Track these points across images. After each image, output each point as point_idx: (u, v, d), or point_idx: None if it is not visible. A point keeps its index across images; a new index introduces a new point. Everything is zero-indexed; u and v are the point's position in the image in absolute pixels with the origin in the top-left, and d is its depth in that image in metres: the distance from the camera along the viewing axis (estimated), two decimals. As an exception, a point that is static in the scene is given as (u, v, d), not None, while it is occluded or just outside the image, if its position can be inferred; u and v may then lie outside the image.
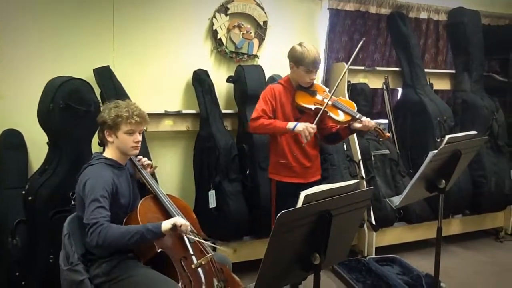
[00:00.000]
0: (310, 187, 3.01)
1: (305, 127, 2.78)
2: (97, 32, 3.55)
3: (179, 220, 2.21)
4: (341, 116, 2.91)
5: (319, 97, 2.97)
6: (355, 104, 2.99)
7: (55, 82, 3.01)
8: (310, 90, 3.00)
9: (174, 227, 2.17)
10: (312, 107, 2.92)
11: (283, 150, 2.99)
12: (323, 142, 3.23)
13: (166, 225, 2.17)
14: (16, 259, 3.00)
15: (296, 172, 3.00)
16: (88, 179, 2.24)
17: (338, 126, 3.00)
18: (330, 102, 2.90)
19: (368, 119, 2.88)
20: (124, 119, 2.31)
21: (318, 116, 2.85)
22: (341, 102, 2.98)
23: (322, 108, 2.86)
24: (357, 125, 2.88)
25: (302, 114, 2.96)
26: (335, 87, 3.02)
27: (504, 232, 4.80)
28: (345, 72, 3.14)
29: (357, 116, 2.87)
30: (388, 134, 2.94)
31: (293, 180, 3.00)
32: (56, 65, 3.35)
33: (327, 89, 3.06)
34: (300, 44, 2.93)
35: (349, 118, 2.89)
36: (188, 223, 2.23)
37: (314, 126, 2.81)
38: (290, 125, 2.84)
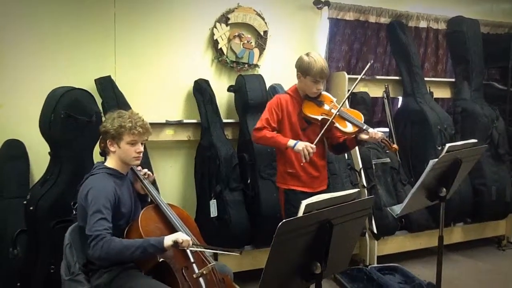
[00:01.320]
0: (316, 197, 3.02)
1: (304, 147, 2.77)
2: (98, 42, 3.58)
3: (180, 236, 2.20)
4: (348, 127, 2.90)
5: (326, 107, 2.95)
6: (362, 115, 2.98)
7: (57, 92, 3.03)
8: (317, 100, 2.98)
9: (176, 243, 2.17)
10: (319, 117, 2.91)
11: (290, 160, 2.96)
12: (331, 151, 3.21)
13: (167, 241, 2.16)
14: (17, 269, 2.99)
15: (303, 182, 2.98)
16: (90, 188, 2.25)
17: (345, 136, 2.99)
18: (337, 113, 2.88)
19: (375, 130, 2.86)
20: (127, 129, 2.32)
21: (323, 130, 2.84)
22: (348, 113, 2.96)
23: (330, 119, 2.85)
24: (364, 136, 2.87)
25: (309, 124, 2.95)
26: (344, 99, 3.02)
27: (506, 241, 4.79)
28: (355, 86, 3.13)
29: (364, 128, 2.86)
30: (396, 146, 2.91)
31: (300, 189, 2.97)
32: (57, 75, 3.37)
33: (335, 99, 3.04)
34: (307, 54, 2.92)
35: (356, 129, 2.88)
36: (189, 238, 2.23)
37: (313, 146, 2.80)
38: (291, 142, 2.83)
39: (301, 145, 2.79)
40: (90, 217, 2.16)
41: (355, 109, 3.21)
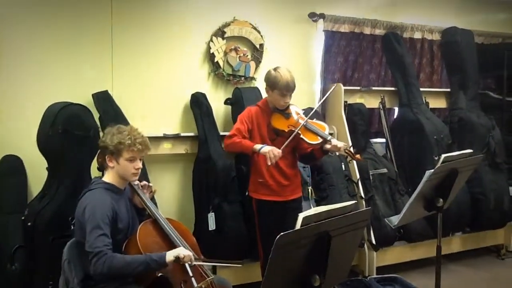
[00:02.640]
0: (290, 205, 3.09)
1: (270, 150, 2.85)
2: (95, 57, 3.59)
3: (182, 252, 2.22)
4: (313, 139, 2.98)
5: (293, 119, 3.06)
6: (326, 126, 3.09)
7: (54, 108, 3.04)
8: (285, 112, 3.09)
9: (177, 259, 2.18)
10: (286, 129, 3.01)
11: (260, 169, 3.06)
12: (300, 161, 3.31)
13: (169, 257, 2.18)
14: (15, 285, 2.97)
15: (273, 190, 3.07)
16: (87, 204, 2.25)
17: (312, 147, 3.07)
18: (303, 124, 2.97)
19: (338, 141, 2.96)
20: (126, 146, 2.32)
21: (288, 140, 2.92)
22: (313, 124, 3.05)
23: (295, 131, 2.94)
24: (327, 146, 2.96)
25: (277, 135, 3.05)
26: (311, 112, 3.13)
27: (505, 249, 4.78)
28: (324, 99, 3.35)
29: (328, 138, 2.95)
30: (359, 156, 3.00)
31: (271, 198, 3.07)
32: (54, 90, 3.38)
33: (302, 112, 3.16)
34: (275, 69, 3.05)
35: (320, 140, 2.97)
36: (191, 253, 2.24)
37: (279, 150, 2.87)
38: (257, 146, 2.93)
39: (267, 148, 2.88)
40: (89, 234, 2.16)
41: (349, 120, 3.27)
